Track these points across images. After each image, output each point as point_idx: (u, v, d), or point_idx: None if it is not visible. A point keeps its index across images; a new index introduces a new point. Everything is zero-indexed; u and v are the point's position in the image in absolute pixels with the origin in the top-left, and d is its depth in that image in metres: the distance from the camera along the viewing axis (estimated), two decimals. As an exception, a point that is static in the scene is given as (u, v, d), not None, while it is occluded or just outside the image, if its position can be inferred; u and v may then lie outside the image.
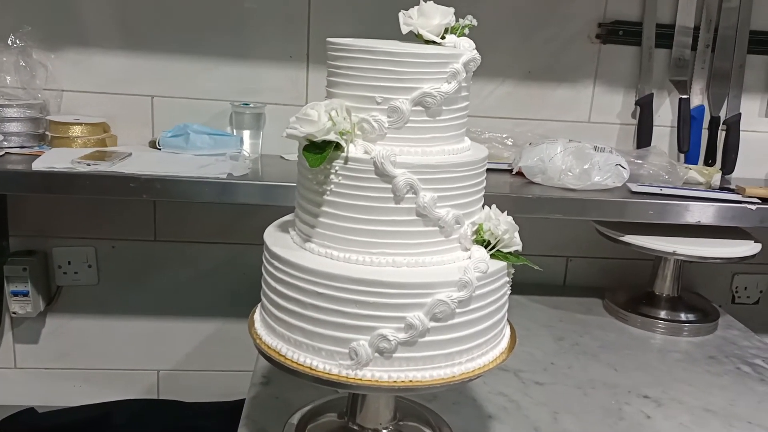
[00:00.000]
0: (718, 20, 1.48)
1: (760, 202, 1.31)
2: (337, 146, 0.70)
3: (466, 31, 0.80)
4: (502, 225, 0.76)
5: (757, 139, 1.55)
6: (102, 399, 1.48)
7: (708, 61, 1.50)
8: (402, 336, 0.69)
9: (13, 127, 1.29)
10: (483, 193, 0.79)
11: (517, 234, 0.78)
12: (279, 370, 0.75)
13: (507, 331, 0.83)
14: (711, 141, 1.53)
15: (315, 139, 0.70)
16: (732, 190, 1.37)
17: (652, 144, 1.49)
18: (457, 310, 0.70)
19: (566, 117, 1.50)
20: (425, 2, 0.78)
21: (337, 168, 0.71)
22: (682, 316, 1.40)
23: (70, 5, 1.34)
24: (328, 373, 0.71)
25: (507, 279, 0.78)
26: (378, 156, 0.69)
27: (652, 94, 1.49)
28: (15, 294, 1.39)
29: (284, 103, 1.43)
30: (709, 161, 1.54)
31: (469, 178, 0.74)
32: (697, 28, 1.48)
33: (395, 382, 0.70)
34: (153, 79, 1.39)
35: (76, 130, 1.32)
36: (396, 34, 0.86)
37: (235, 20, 1.38)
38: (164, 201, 1.43)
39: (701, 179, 1.44)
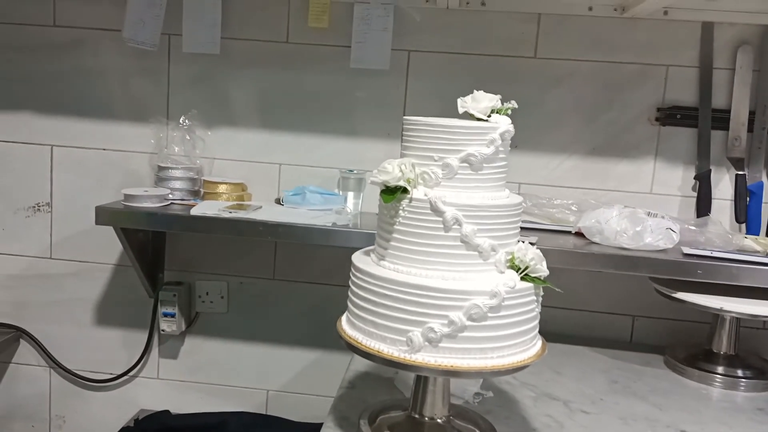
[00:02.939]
0: (773, 105, 1.64)
1: (808, 267, 1.42)
2: (405, 190, 0.98)
3: (509, 112, 1.06)
4: (530, 254, 0.98)
5: (821, 215, 1.65)
6: (221, 409, 1.79)
7: (765, 141, 1.65)
8: (446, 330, 0.93)
9: (177, 184, 1.69)
10: (518, 230, 1.02)
11: (544, 263, 1.00)
12: (366, 360, 1.00)
13: (538, 343, 1.03)
14: (772, 214, 1.66)
15: (389, 185, 0.98)
16: (786, 258, 1.48)
17: (712, 215, 1.64)
18: (489, 314, 0.93)
19: (629, 188, 1.69)
20: (477, 91, 1.05)
21: (404, 205, 0.98)
22: (739, 372, 1.49)
23: (224, 95, 1.76)
24: (391, 356, 0.95)
25: (534, 297, 0.99)
26: (433, 197, 0.96)
27: (710, 170, 1.65)
28: (165, 315, 1.75)
29: (383, 172, 1.74)
30: (772, 233, 1.66)
31: (502, 216, 0.98)
32: (752, 112, 1.64)
33: (440, 365, 0.94)
34: (281, 151, 1.76)
35: (222, 188, 1.70)
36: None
37: (347, 105, 1.73)
38: (282, 246, 1.78)
39: (758, 248, 1.56)
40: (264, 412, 1.82)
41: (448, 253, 0.97)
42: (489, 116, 1.05)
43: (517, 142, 1.69)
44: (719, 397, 1.43)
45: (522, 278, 0.98)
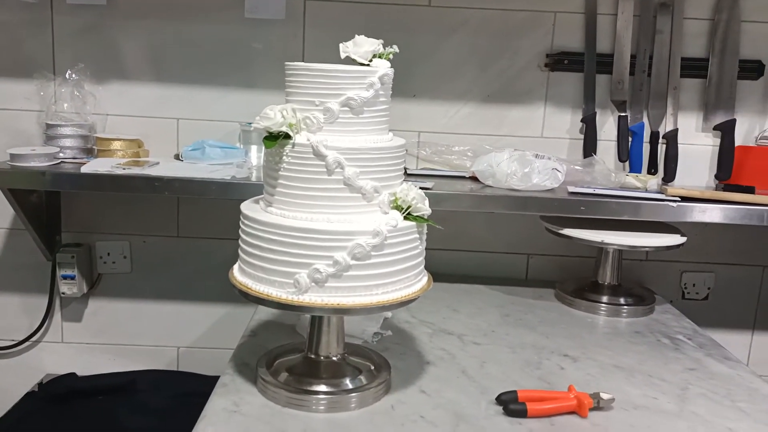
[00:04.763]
0: (652, 50, 1.73)
1: (680, 200, 1.54)
2: (287, 136, 0.99)
3: (391, 56, 1.08)
4: (412, 194, 1.02)
5: (695, 151, 1.78)
6: (132, 369, 1.78)
7: (645, 84, 1.75)
8: (331, 270, 0.96)
9: (68, 142, 1.62)
10: (401, 171, 1.06)
11: (426, 203, 1.04)
12: (269, 309, 1.01)
13: (424, 279, 1.08)
14: (652, 153, 1.77)
15: (271, 131, 0.99)
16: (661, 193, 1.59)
17: (597, 155, 1.74)
18: (372, 253, 0.97)
19: (522, 133, 1.76)
20: (358, 36, 1.06)
21: (287, 151, 1.00)
22: (621, 300, 1.61)
23: (115, 47, 1.69)
24: (279, 298, 0.98)
25: (417, 235, 1.03)
26: (315, 141, 0.98)
27: (596, 112, 1.74)
28: (64, 277, 1.71)
29: (284, 124, 1.73)
30: (652, 171, 1.77)
31: (384, 158, 1.01)
32: (633, 56, 1.73)
33: (326, 304, 0.97)
34: (178, 105, 1.72)
35: (116, 145, 1.65)
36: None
37: (244, 57, 1.70)
38: (185, 203, 1.75)
39: (638, 184, 1.67)
40: (175, 369, 1.82)
41: (332, 196, 0.99)
42: (371, 61, 1.06)
43: (416, 91, 1.74)
44: (603, 324, 1.54)
45: (405, 217, 1.02)
